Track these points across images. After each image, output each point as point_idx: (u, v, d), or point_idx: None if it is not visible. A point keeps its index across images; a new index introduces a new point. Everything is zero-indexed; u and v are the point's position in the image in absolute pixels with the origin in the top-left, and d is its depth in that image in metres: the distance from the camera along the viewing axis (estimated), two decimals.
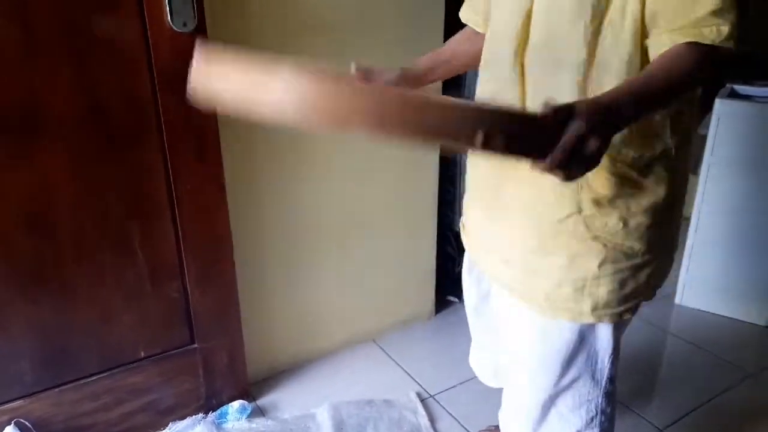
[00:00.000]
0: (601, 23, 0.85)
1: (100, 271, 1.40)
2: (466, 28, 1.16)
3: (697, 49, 0.80)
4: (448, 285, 2.20)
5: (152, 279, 1.47)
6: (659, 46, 0.82)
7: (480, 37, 1.09)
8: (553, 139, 0.67)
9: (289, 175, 1.68)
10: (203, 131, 1.39)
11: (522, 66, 0.93)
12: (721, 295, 2.21)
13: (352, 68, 1.02)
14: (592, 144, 0.68)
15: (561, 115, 0.68)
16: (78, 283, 1.39)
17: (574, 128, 0.67)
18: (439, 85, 1.72)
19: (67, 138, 1.28)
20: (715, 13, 0.79)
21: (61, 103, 1.25)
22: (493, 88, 1.00)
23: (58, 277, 1.36)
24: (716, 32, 0.79)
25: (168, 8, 1.26)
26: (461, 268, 1.30)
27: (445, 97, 0.65)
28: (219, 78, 0.65)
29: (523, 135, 0.66)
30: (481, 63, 1.05)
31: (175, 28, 1.28)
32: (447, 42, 1.17)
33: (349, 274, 1.91)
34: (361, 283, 1.95)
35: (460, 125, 0.62)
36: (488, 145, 0.62)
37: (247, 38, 1.51)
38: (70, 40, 1.22)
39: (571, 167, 0.69)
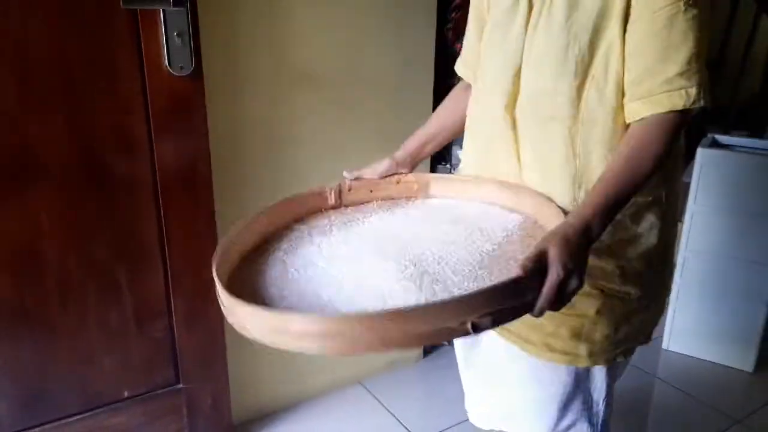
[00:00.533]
0: (585, 79, 0.89)
1: (84, 310, 1.39)
2: (455, 90, 1.18)
3: (667, 119, 0.84)
4: None
5: (138, 319, 1.46)
6: (631, 114, 0.87)
7: (468, 91, 1.12)
8: (535, 292, 0.71)
9: None
10: (196, 174, 1.41)
11: (513, 119, 0.97)
12: (708, 341, 2.22)
13: (345, 176, 1.07)
14: (572, 283, 0.73)
15: (534, 269, 0.71)
16: (62, 322, 1.38)
17: (552, 278, 0.71)
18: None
19: (58, 181, 1.29)
20: (683, 74, 0.83)
21: (55, 149, 1.27)
22: (484, 142, 1.03)
23: (41, 316, 1.35)
24: (685, 96, 0.83)
25: (166, 53, 1.30)
26: None
27: (424, 304, 0.68)
28: (243, 320, 0.72)
29: (507, 306, 0.69)
30: (468, 120, 1.08)
31: (172, 72, 1.31)
32: (433, 114, 1.19)
33: None
34: None
35: (448, 323, 0.65)
36: (479, 329, 0.66)
37: (242, 84, 1.55)
38: (66, 86, 1.25)
39: (558, 305, 0.73)
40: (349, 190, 1.07)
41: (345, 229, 0.96)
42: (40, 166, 1.26)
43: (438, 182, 1.09)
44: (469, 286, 0.75)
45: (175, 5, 1.27)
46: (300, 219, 1.01)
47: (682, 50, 0.83)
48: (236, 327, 0.74)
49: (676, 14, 0.82)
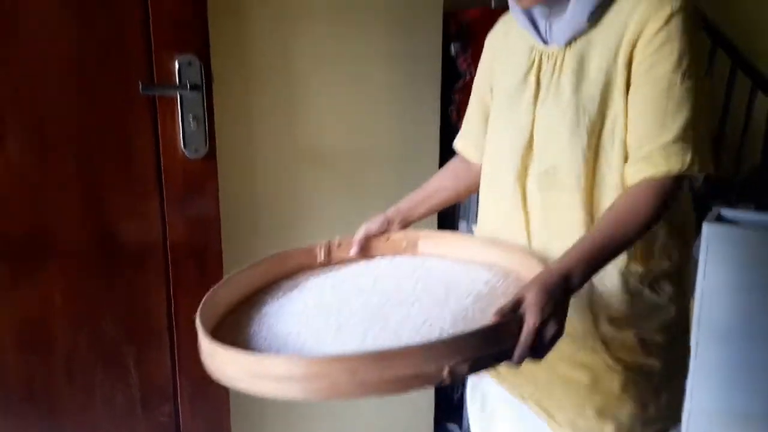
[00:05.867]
0: (597, 148, 0.92)
1: (91, 389, 1.37)
2: (452, 161, 1.22)
3: (660, 184, 0.86)
4: (447, 412, 2.13)
5: (144, 401, 1.43)
6: (629, 177, 0.89)
7: (467, 171, 1.16)
8: (514, 339, 0.71)
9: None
10: (206, 255, 1.41)
11: (524, 190, 0.99)
12: (726, 423, 2.15)
13: (336, 241, 1.10)
14: (550, 329, 0.73)
15: (511, 315, 0.72)
16: (68, 402, 1.35)
17: (529, 323, 0.71)
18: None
19: (71, 259, 1.30)
20: (678, 140, 0.86)
21: (70, 227, 1.28)
22: (495, 214, 1.06)
23: (47, 395, 1.33)
24: (681, 161, 0.86)
25: (182, 136, 1.33)
26: (460, 393, 1.28)
27: (402, 346, 0.68)
28: (223, 366, 0.73)
29: (485, 353, 0.69)
30: (482, 189, 1.10)
31: (187, 155, 1.34)
32: (433, 177, 1.22)
33: (343, 402, 1.85)
34: (355, 412, 1.89)
35: (425, 368, 0.65)
36: (455, 375, 0.66)
37: (253, 162, 1.58)
38: (84, 166, 1.28)
39: (538, 353, 0.73)
40: (339, 246, 1.08)
41: (330, 282, 0.98)
42: (54, 244, 1.27)
43: (426, 240, 1.10)
44: (447, 334, 0.76)
45: (191, 90, 1.31)
46: (288, 275, 1.03)
47: (678, 118, 0.86)
48: (216, 374, 0.74)
49: (673, 84, 0.86)
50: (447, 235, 1.07)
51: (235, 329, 0.85)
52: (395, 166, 1.83)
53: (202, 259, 1.41)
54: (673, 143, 0.86)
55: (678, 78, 0.86)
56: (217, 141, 1.38)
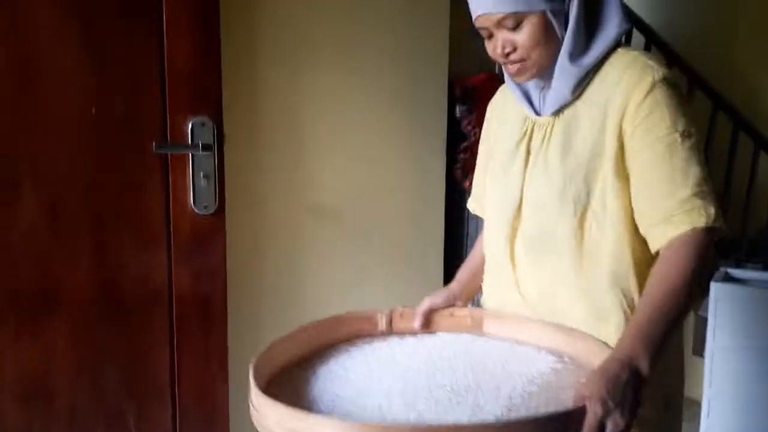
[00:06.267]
0: (585, 215, 0.93)
1: None
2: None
3: (692, 237, 0.85)
4: None
5: None
6: (656, 240, 0.89)
7: None
8: (577, 429, 0.70)
9: None
10: (211, 312, 1.42)
11: (512, 251, 1.01)
12: None
13: (399, 310, 1.07)
14: (615, 420, 0.71)
15: (575, 406, 0.70)
16: None
17: (589, 416, 0.70)
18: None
19: (76, 313, 1.31)
20: (696, 195, 0.86)
21: (77, 282, 1.30)
22: (491, 272, 1.09)
23: None
24: (705, 214, 0.85)
25: (192, 193, 1.36)
26: None
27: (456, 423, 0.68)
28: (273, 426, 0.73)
29: None
30: (484, 243, 1.12)
31: (196, 211, 1.37)
32: (476, 244, 1.20)
33: None
34: None
35: None
36: None
37: (262, 218, 1.61)
38: (94, 222, 1.31)
39: None
40: (401, 316, 1.07)
41: (391, 352, 0.97)
42: (59, 297, 1.29)
43: (491, 319, 1.08)
44: (507, 416, 0.74)
45: (203, 150, 1.35)
46: (347, 339, 1.02)
47: (690, 174, 0.87)
48: (263, 429, 0.72)
49: (673, 143, 0.87)
50: (511, 317, 1.06)
51: (288, 387, 0.84)
52: (401, 222, 1.86)
53: (207, 316, 1.41)
54: (692, 197, 0.86)
55: (677, 137, 0.87)
56: (226, 199, 1.41)
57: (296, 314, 1.68)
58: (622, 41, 0.96)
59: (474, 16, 0.94)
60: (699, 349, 2.10)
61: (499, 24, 0.91)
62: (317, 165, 1.69)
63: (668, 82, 0.89)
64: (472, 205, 1.23)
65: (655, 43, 3.08)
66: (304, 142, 1.67)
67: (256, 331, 1.60)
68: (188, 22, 1.32)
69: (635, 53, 0.93)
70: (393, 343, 1.00)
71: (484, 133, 1.17)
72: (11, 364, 1.26)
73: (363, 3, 1.74)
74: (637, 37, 3.16)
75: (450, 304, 1.10)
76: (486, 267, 1.11)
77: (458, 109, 2.11)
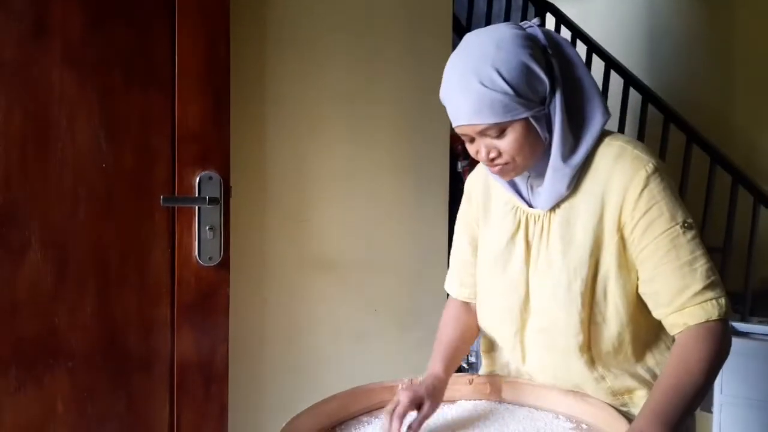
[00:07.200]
0: (591, 307, 0.95)
1: None
2: (451, 306, 1.17)
3: (708, 326, 0.88)
4: None
5: None
6: (674, 326, 0.91)
7: (466, 307, 1.15)
8: None
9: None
10: (213, 369, 1.41)
11: (522, 344, 1.03)
12: None
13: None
14: None
15: None
16: None
17: None
18: None
19: (77, 366, 1.30)
20: (708, 287, 0.89)
21: (80, 335, 1.30)
22: (500, 357, 1.11)
23: None
24: (717, 306, 0.89)
25: (197, 245, 1.38)
26: None
27: None
28: None
29: None
30: (483, 332, 1.13)
31: (201, 263, 1.39)
32: (442, 331, 1.14)
33: None
34: None
35: None
36: None
37: (265, 271, 1.63)
38: (99, 274, 1.32)
39: None
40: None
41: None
42: (62, 351, 1.29)
43: (509, 387, 1.09)
44: None
45: (210, 203, 1.38)
46: (368, 411, 1.04)
47: (698, 266, 0.90)
48: None
49: (676, 236, 0.90)
50: (530, 384, 1.07)
51: None
52: (403, 278, 1.88)
53: (209, 374, 1.40)
54: (705, 290, 0.89)
55: (678, 230, 0.90)
56: (231, 252, 1.43)
57: (299, 370, 1.67)
58: (606, 124, 0.96)
59: (455, 124, 0.93)
60: (707, 405, 2.07)
61: (482, 133, 0.91)
62: (319, 219, 1.72)
63: (660, 173, 0.92)
64: (456, 289, 1.16)
65: (650, 100, 3.16)
66: (307, 197, 1.70)
67: (257, 385, 1.60)
68: (198, 88, 1.37)
69: (620, 143, 0.95)
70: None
71: (465, 213, 1.14)
72: (11, 414, 1.25)
73: (366, 57, 1.79)
74: (634, 94, 3.25)
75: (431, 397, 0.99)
76: (486, 355, 1.14)
77: (459, 165, 2.16)
